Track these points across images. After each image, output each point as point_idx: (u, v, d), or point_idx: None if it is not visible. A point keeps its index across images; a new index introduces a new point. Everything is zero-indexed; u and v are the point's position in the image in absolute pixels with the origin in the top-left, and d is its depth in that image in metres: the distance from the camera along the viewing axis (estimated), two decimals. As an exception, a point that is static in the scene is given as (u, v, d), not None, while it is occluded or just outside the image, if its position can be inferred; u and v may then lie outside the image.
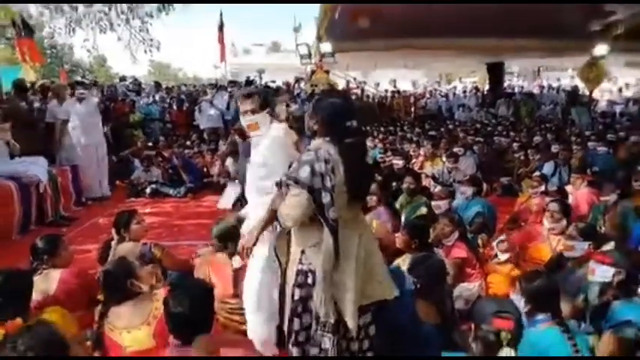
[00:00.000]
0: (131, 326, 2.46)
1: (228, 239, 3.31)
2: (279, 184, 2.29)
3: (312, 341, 2.27)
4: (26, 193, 5.67)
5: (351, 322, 2.18)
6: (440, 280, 3.03)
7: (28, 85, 8.21)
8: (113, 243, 3.59)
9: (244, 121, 2.83)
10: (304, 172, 2.16)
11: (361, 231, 2.33)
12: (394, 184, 5.86)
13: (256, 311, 2.86)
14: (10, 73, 9.39)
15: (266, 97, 2.86)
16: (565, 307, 2.76)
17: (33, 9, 13.18)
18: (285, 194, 2.25)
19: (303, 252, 2.28)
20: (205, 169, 8.51)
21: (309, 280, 2.26)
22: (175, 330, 2.05)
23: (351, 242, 2.25)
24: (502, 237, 3.93)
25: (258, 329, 2.86)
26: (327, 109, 2.28)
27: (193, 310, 2.01)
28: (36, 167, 5.92)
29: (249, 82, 12.46)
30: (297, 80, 14.58)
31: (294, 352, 2.33)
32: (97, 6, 10.93)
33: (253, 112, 2.78)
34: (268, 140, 2.79)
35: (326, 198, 2.14)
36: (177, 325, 2.03)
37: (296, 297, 2.29)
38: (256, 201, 2.77)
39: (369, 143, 9.28)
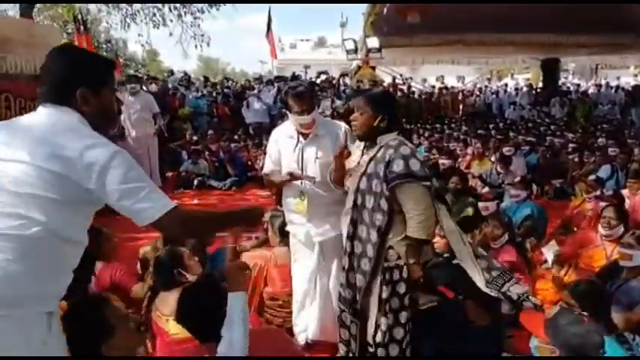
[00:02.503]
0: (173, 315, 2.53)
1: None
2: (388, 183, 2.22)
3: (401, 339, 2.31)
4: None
5: None
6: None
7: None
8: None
9: (300, 120, 2.74)
10: (415, 165, 2.17)
11: None
12: (438, 183, 5.73)
13: (309, 306, 2.94)
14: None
15: (313, 95, 2.82)
16: (618, 318, 2.63)
17: (92, 5, 13.78)
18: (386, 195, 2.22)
19: (390, 247, 2.28)
20: (250, 163, 8.65)
21: (395, 277, 2.29)
22: (189, 330, 2.00)
23: None
24: (555, 246, 3.75)
25: (311, 323, 2.94)
26: (394, 107, 2.33)
27: (204, 313, 1.94)
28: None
29: (294, 78, 12.53)
30: (342, 75, 14.53)
31: (380, 351, 2.33)
32: (151, 1, 11.32)
33: (308, 111, 2.71)
34: (334, 137, 2.76)
35: (434, 184, 2.23)
36: (189, 326, 1.99)
37: (384, 295, 2.30)
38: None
39: (414, 141, 9.14)
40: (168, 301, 2.55)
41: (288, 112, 2.80)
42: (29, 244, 1.38)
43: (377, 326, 2.31)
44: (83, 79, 1.54)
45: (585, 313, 2.35)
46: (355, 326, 2.45)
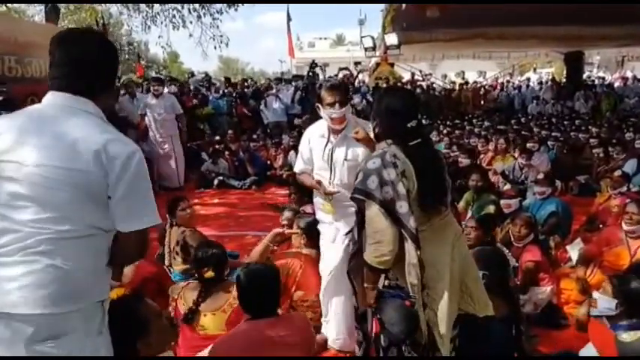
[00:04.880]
0: (207, 310, 2.59)
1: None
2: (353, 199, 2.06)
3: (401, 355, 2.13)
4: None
5: (443, 347, 1.99)
6: (507, 270, 2.90)
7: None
8: (167, 227, 3.81)
9: (331, 112, 2.67)
10: (372, 183, 1.93)
11: (453, 241, 2.07)
12: (459, 181, 5.69)
13: (332, 299, 2.93)
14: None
15: (347, 90, 2.80)
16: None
17: (114, 8, 14.02)
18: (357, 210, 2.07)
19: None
20: (269, 162, 8.70)
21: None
22: (244, 303, 2.20)
23: (443, 257, 2.01)
24: (580, 244, 3.67)
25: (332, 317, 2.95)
26: (384, 111, 2.07)
27: (260, 285, 2.15)
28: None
29: (314, 65, 12.42)
30: (360, 72, 14.46)
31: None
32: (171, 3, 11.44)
33: (341, 104, 2.66)
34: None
35: (402, 207, 1.90)
36: (247, 299, 2.18)
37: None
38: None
39: (434, 137, 9.04)
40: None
41: (319, 106, 2.75)
42: (81, 244, 1.43)
43: (377, 345, 2.20)
44: (110, 71, 1.53)
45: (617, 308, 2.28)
46: (358, 333, 2.39)
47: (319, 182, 2.76)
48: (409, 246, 1.94)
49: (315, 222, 3.08)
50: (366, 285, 2.07)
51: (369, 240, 1.97)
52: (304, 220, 3.33)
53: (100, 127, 1.46)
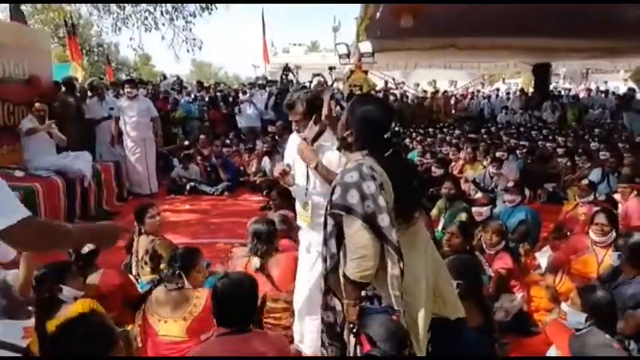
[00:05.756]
0: (169, 317, 2.60)
1: (261, 240, 3.30)
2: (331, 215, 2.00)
3: None
4: (72, 187, 5.88)
5: (420, 353, 1.96)
6: (479, 276, 2.92)
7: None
8: (135, 235, 3.73)
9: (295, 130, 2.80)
10: (353, 198, 1.85)
11: (425, 245, 2.08)
12: (431, 189, 5.76)
13: (306, 317, 2.90)
14: (61, 70, 9.77)
15: (311, 102, 2.71)
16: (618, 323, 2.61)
17: (83, 9, 13.71)
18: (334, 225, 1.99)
19: None
20: (242, 168, 8.61)
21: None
22: (219, 317, 2.15)
23: (418, 261, 1.99)
24: (549, 252, 3.75)
25: (307, 336, 2.93)
26: (361, 120, 2.00)
27: (238, 299, 2.12)
28: (81, 162, 6.11)
29: (287, 69, 12.41)
30: (335, 80, 14.50)
31: None
32: (143, 5, 11.25)
33: (297, 122, 2.74)
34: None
35: (384, 221, 1.85)
36: (222, 312, 2.13)
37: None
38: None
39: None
40: (163, 303, 2.62)
41: None
42: None
43: (354, 353, 2.14)
44: None
45: (587, 321, 2.32)
46: (335, 349, 2.27)
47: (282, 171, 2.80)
48: (392, 258, 1.89)
49: (268, 229, 3.27)
50: (346, 301, 1.99)
51: (352, 255, 1.90)
52: (253, 227, 3.38)
53: None
